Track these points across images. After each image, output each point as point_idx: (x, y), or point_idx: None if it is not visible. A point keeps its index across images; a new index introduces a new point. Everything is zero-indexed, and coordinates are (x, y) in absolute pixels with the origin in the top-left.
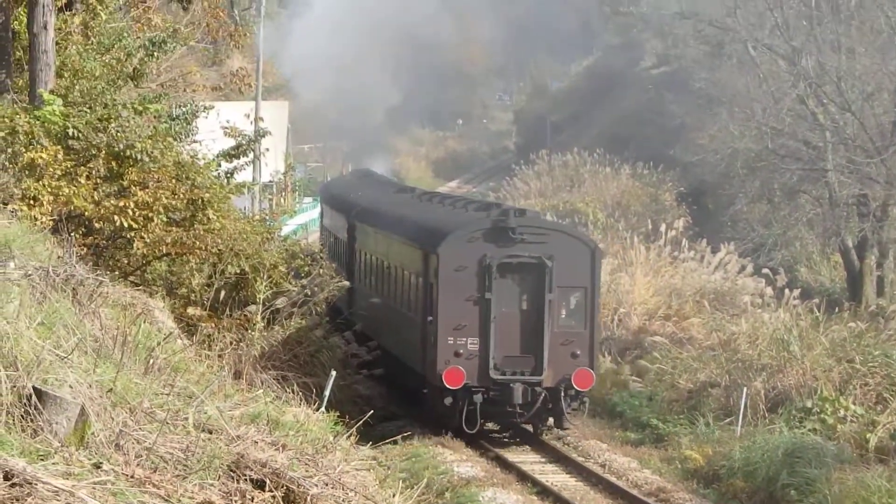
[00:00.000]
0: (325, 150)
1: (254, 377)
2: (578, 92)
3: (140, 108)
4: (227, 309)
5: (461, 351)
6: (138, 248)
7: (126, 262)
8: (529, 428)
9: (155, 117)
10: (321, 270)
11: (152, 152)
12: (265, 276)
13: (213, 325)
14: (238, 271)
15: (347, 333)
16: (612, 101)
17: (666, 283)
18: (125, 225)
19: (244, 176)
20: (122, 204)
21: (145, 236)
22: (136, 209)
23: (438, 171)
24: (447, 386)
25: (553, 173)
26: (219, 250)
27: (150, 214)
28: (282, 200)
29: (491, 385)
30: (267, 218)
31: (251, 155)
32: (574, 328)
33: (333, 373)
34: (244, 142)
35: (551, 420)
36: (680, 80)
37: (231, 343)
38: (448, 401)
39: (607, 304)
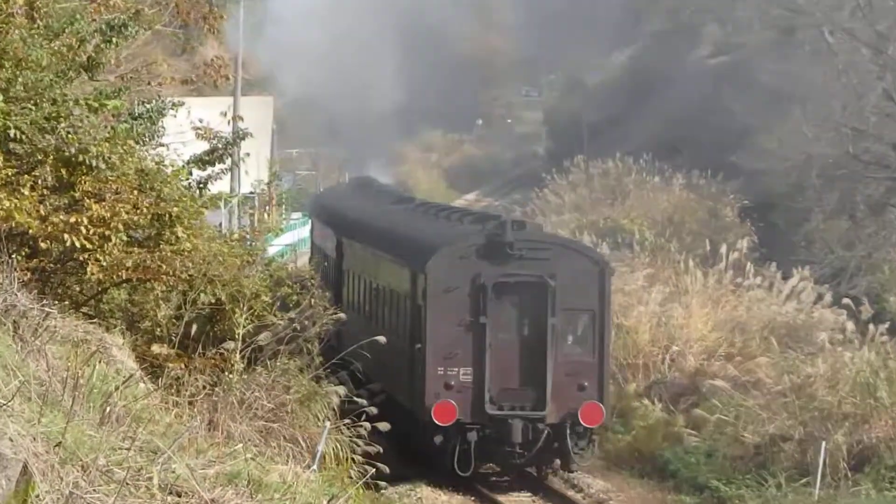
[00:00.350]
0: (317, 156)
1: (232, 429)
2: (620, 86)
3: (95, 105)
4: (200, 346)
5: (452, 383)
6: (93, 274)
7: (78, 289)
8: (533, 471)
9: (113, 116)
10: (313, 300)
11: (110, 158)
12: (245, 308)
13: (183, 365)
14: (213, 301)
15: (342, 374)
16: (661, 98)
17: (727, 315)
18: (77, 245)
19: (220, 186)
20: (73, 220)
21: (101, 259)
22: (90, 226)
23: (453, 181)
24: (436, 422)
25: (591, 184)
26: (189, 276)
27: (108, 232)
28: (265, 216)
29: (486, 421)
30: (248, 237)
31: (228, 161)
32: (581, 356)
33: (328, 424)
34: (220, 145)
35: (557, 462)
36: (742, 73)
37: (204, 387)
38: (438, 439)
39: (657, 341)
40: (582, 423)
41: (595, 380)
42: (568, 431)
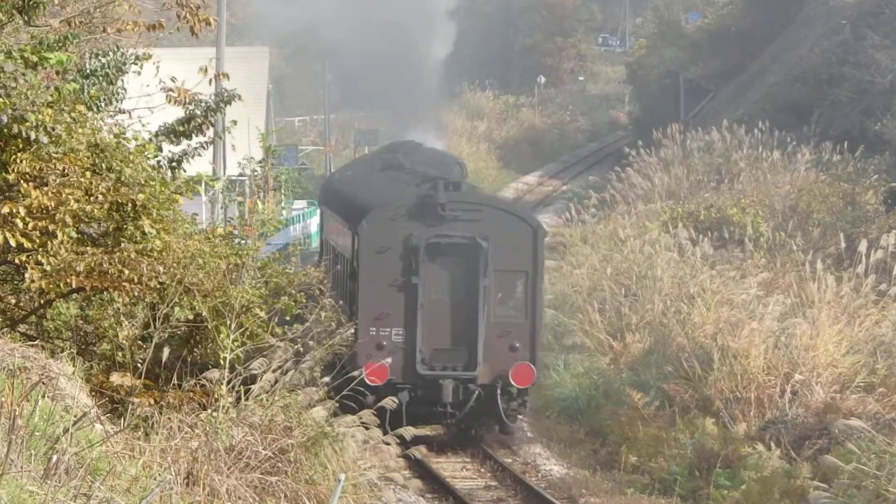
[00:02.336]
0: (327, 126)
1: (217, 483)
2: (729, 33)
3: (34, 59)
4: (175, 376)
5: (384, 343)
6: (33, 281)
7: (14, 301)
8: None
9: (57, 73)
10: (322, 313)
11: (54, 129)
12: (234, 325)
13: (153, 401)
14: (191, 317)
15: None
16: (783, 47)
17: (868, 333)
18: (12, 244)
19: (199, 166)
20: (5, 210)
21: (44, 262)
22: (28, 219)
23: (508, 157)
24: (368, 383)
25: (689, 162)
26: (160, 284)
27: (52, 227)
28: (259, 204)
29: (418, 381)
30: (236, 232)
31: (210, 133)
32: (513, 318)
33: (342, 476)
34: (199, 112)
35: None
36: (892, 13)
37: (181, 429)
38: (370, 400)
39: (774, 367)
40: (513, 383)
41: (527, 341)
42: (499, 392)
